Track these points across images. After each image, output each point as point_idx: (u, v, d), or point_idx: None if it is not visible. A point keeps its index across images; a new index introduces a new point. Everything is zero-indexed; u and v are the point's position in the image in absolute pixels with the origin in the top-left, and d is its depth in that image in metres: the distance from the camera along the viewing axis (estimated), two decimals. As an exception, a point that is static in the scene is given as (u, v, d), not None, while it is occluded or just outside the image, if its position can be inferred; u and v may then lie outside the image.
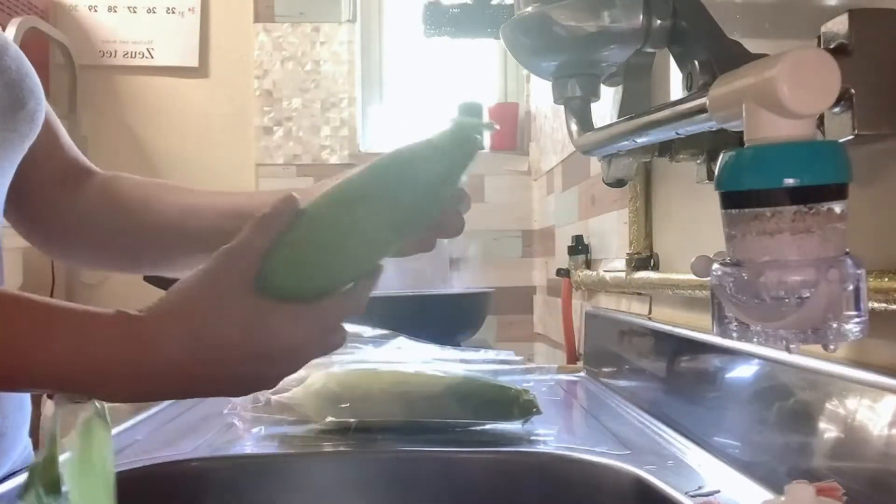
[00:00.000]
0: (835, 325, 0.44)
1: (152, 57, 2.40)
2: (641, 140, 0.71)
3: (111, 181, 0.84)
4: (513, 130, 2.45)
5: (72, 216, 0.81)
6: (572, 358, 1.58)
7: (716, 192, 0.47)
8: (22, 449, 0.74)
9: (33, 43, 2.06)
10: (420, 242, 0.57)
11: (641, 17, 0.68)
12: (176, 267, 0.83)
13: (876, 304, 0.54)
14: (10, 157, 0.70)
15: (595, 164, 1.45)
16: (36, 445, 0.79)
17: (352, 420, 0.88)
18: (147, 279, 0.97)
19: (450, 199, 0.56)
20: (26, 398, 0.73)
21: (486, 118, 0.61)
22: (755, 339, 0.46)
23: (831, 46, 0.53)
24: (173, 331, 0.50)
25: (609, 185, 0.89)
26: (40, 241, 0.83)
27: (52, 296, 2.12)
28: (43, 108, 0.73)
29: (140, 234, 0.80)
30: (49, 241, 0.83)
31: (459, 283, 2.23)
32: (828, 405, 0.60)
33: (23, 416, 0.72)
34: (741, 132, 0.46)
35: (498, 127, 0.56)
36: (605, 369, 1.26)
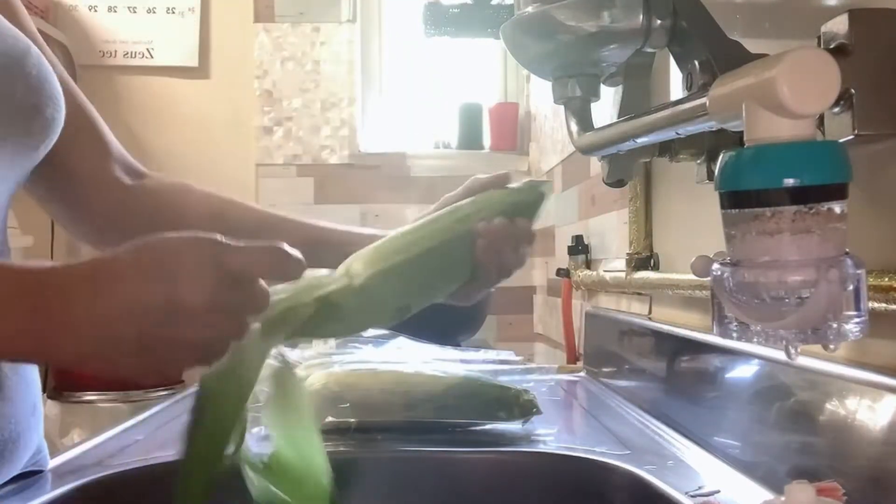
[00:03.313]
0: (835, 325, 0.44)
1: (152, 57, 2.40)
2: (641, 140, 0.71)
3: (185, 184, 0.86)
4: (513, 130, 2.45)
5: (136, 212, 0.82)
6: (572, 358, 1.58)
7: (716, 192, 0.47)
8: (36, 452, 0.74)
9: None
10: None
11: (641, 17, 0.68)
12: None
13: (876, 304, 0.54)
14: (22, 162, 0.68)
15: (595, 164, 1.45)
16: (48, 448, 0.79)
17: (352, 420, 0.88)
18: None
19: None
20: (39, 402, 0.73)
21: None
22: (755, 339, 0.46)
23: (831, 46, 0.53)
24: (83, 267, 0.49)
25: (609, 185, 0.89)
26: (95, 238, 0.83)
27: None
28: (62, 115, 0.71)
29: None
30: (107, 236, 0.82)
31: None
32: (828, 405, 0.60)
33: (36, 419, 0.72)
34: (741, 132, 0.46)
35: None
36: (605, 369, 1.26)
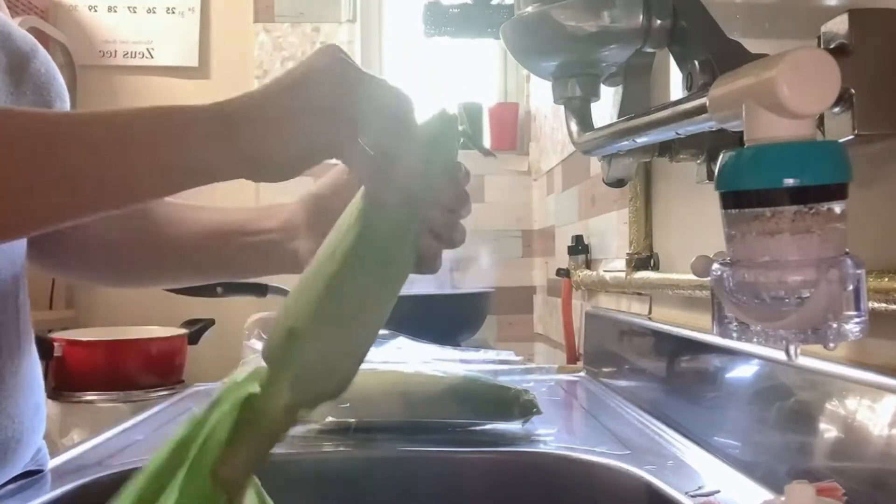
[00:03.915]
0: (835, 325, 0.44)
1: (152, 57, 2.40)
2: (641, 140, 0.71)
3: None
4: (513, 130, 2.45)
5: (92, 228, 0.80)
6: (572, 358, 1.58)
7: (716, 192, 0.47)
8: (36, 452, 0.74)
9: (33, 43, 2.06)
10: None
11: (641, 17, 0.68)
12: (200, 280, 0.84)
13: (876, 304, 0.54)
14: None
15: (595, 164, 1.45)
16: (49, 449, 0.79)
17: (352, 420, 0.88)
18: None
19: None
20: (42, 403, 0.73)
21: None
22: (755, 339, 0.46)
23: (831, 46, 0.53)
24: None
25: (609, 185, 0.89)
26: (54, 261, 0.79)
27: (52, 296, 2.13)
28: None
29: (170, 253, 0.80)
30: (65, 261, 0.80)
31: (459, 284, 2.22)
32: (828, 405, 0.60)
33: (38, 419, 0.72)
34: (741, 132, 0.46)
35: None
36: (605, 369, 1.26)
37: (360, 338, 0.48)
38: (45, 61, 0.70)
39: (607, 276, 1.29)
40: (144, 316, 2.09)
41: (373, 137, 0.49)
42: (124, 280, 0.87)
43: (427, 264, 0.54)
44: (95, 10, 2.38)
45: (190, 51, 2.40)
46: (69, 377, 1.96)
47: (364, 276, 0.47)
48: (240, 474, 0.43)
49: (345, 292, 0.47)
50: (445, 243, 0.55)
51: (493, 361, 1.22)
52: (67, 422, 1.91)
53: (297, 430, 0.91)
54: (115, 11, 2.39)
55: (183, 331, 2.05)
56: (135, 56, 2.40)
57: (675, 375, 0.95)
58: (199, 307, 2.06)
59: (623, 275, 1.18)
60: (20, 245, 0.71)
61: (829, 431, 0.60)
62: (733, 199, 0.46)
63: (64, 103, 0.71)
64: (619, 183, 0.88)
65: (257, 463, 0.44)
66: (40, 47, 0.70)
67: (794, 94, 0.42)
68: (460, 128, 0.60)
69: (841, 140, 0.53)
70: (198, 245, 0.78)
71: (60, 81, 0.72)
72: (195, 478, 0.41)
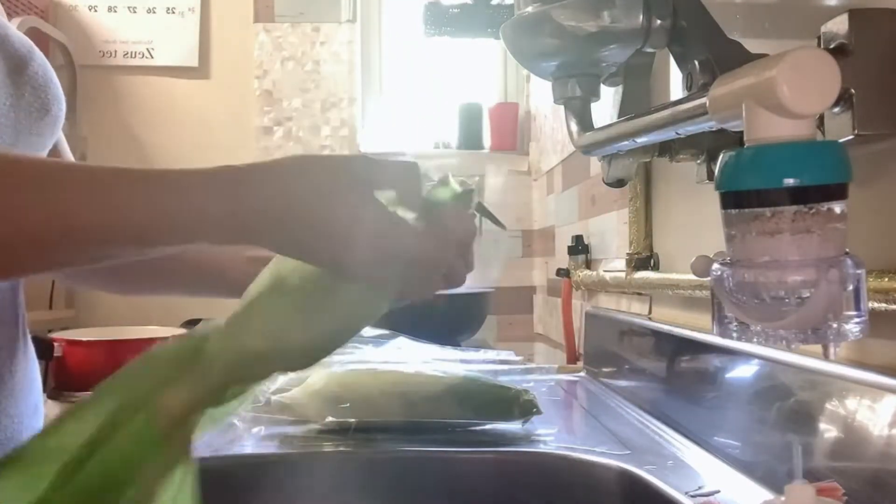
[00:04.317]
0: (835, 325, 0.44)
1: (152, 57, 2.40)
2: (641, 140, 0.71)
3: None
4: (513, 130, 2.45)
5: None
6: (572, 358, 1.58)
7: (716, 192, 0.47)
8: None
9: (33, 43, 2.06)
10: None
11: (641, 17, 0.68)
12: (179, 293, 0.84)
13: (876, 304, 0.54)
14: None
15: (595, 164, 1.45)
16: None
17: (352, 420, 0.88)
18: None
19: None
20: (40, 403, 0.73)
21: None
22: (755, 339, 0.46)
23: (831, 46, 0.53)
24: (277, 175, 0.49)
25: (609, 185, 0.90)
26: None
27: (52, 296, 2.13)
28: (63, 114, 0.73)
29: (172, 269, 0.80)
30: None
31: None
32: (828, 405, 0.60)
33: (37, 419, 0.72)
34: (741, 132, 0.46)
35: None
36: (605, 369, 1.26)
37: (320, 331, 0.49)
38: (42, 64, 0.70)
39: (607, 276, 1.29)
40: (144, 316, 2.09)
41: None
42: (124, 289, 0.87)
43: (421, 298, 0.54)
44: (95, 10, 2.38)
45: (190, 51, 2.40)
46: (69, 377, 1.96)
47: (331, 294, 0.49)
48: (178, 411, 0.46)
49: (308, 290, 0.49)
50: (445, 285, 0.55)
51: (493, 361, 1.22)
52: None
53: (298, 430, 0.91)
54: (115, 11, 2.39)
55: (183, 331, 2.05)
56: (135, 56, 2.40)
57: (675, 375, 0.95)
58: (199, 307, 2.05)
59: (623, 275, 1.18)
60: None
61: (829, 431, 0.60)
62: (733, 199, 0.46)
63: (61, 105, 0.72)
64: (619, 183, 0.88)
65: (194, 407, 0.47)
66: (37, 50, 0.70)
67: (794, 94, 0.42)
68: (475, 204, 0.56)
69: (841, 140, 0.53)
70: (199, 266, 0.79)
71: (57, 83, 0.72)
72: (136, 408, 0.45)
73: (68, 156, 0.83)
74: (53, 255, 0.49)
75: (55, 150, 0.78)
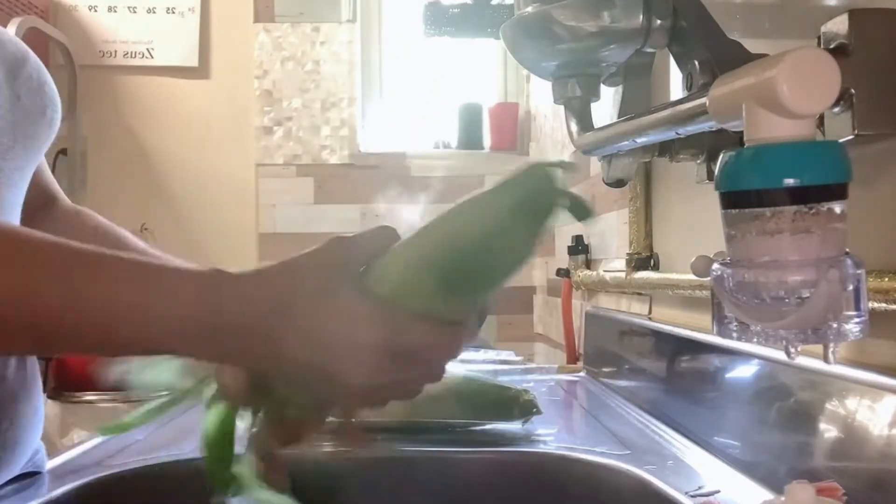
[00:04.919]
0: (835, 325, 0.44)
1: (152, 57, 2.40)
2: (641, 140, 0.71)
3: (80, 215, 0.82)
4: (513, 130, 2.45)
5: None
6: (572, 358, 1.58)
7: (716, 192, 0.47)
8: (34, 453, 0.74)
9: (33, 43, 2.05)
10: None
11: (641, 17, 0.68)
12: None
13: (876, 304, 0.54)
14: (30, 166, 0.70)
15: (595, 164, 1.45)
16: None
17: (352, 420, 0.88)
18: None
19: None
20: (40, 405, 0.73)
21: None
22: (755, 339, 0.46)
23: (831, 46, 0.53)
24: (261, 291, 0.47)
25: (609, 185, 0.89)
26: None
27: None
28: (59, 116, 0.73)
29: None
30: None
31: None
32: (828, 405, 0.60)
33: (37, 420, 0.72)
34: (741, 132, 0.46)
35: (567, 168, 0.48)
36: (605, 369, 1.26)
37: None
38: (37, 66, 0.70)
39: (607, 276, 1.29)
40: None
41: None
42: None
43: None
44: (95, 10, 2.38)
45: (190, 51, 2.40)
46: (69, 377, 1.96)
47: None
48: None
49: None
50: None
51: (493, 361, 1.22)
52: (67, 422, 1.91)
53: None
54: (115, 11, 2.39)
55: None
56: (135, 56, 2.40)
57: (675, 375, 0.95)
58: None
59: (623, 275, 1.18)
60: None
61: (829, 431, 0.60)
62: (733, 199, 0.46)
63: (56, 108, 0.72)
64: (619, 183, 0.88)
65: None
66: (31, 53, 0.70)
67: (794, 94, 0.42)
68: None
69: (841, 140, 0.53)
70: None
71: (52, 86, 0.72)
72: None
73: (42, 164, 0.81)
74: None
75: (37, 173, 0.77)
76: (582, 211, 0.48)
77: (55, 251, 0.46)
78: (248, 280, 0.47)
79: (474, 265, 0.48)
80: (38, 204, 0.79)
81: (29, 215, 0.76)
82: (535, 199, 0.47)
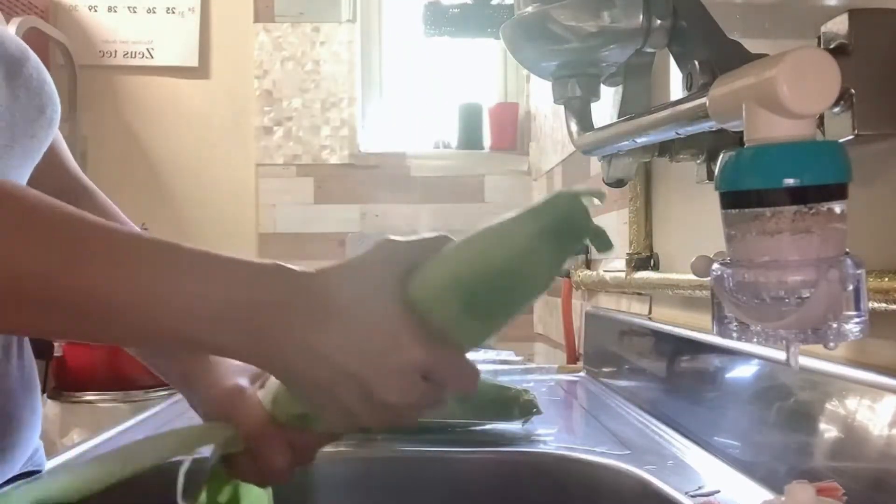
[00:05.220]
0: (835, 325, 0.44)
1: (152, 57, 2.40)
2: (641, 140, 0.71)
3: (109, 209, 0.82)
4: (513, 130, 2.45)
5: None
6: (572, 358, 1.58)
7: (716, 192, 0.47)
8: (33, 452, 0.74)
9: (33, 43, 2.05)
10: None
11: (641, 17, 0.68)
12: None
13: (876, 304, 0.54)
14: (29, 165, 0.70)
15: (595, 164, 1.45)
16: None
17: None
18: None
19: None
20: (38, 404, 0.73)
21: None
22: (755, 339, 0.46)
23: (831, 46, 0.53)
24: (309, 286, 0.46)
25: (609, 185, 0.89)
26: None
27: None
28: (59, 115, 0.73)
29: None
30: None
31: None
32: (828, 405, 0.60)
33: (35, 419, 0.72)
34: (741, 132, 0.46)
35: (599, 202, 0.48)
36: (605, 369, 1.26)
37: None
38: (37, 65, 0.70)
39: (607, 276, 1.29)
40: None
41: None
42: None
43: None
44: (95, 10, 2.39)
45: (190, 51, 2.40)
46: (69, 377, 1.96)
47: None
48: None
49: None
50: None
51: (493, 361, 1.22)
52: (67, 422, 1.91)
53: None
54: (115, 11, 2.39)
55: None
56: (135, 56, 2.40)
57: (675, 375, 0.95)
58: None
59: (623, 275, 1.18)
60: None
61: (829, 431, 0.60)
62: (733, 199, 0.46)
63: (56, 107, 0.72)
64: (619, 183, 0.88)
65: None
66: (31, 52, 0.70)
67: (794, 94, 0.42)
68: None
69: (841, 140, 0.53)
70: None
71: (52, 85, 0.72)
72: None
73: (68, 157, 0.82)
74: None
75: (53, 152, 0.78)
76: (603, 243, 0.48)
77: (103, 232, 0.45)
78: (300, 274, 0.47)
79: (498, 288, 0.48)
80: (69, 198, 0.80)
81: None
82: (564, 227, 0.48)
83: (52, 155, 0.78)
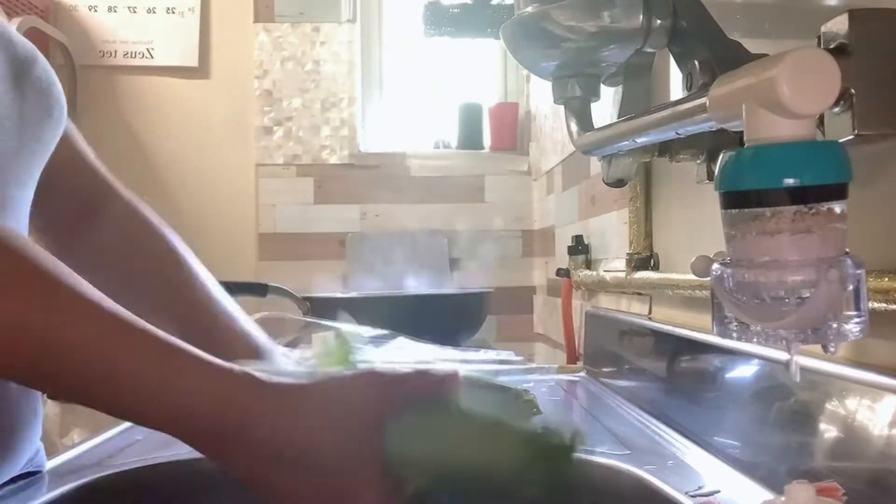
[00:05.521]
0: (835, 325, 0.44)
1: (152, 57, 2.40)
2: (641, 140, 0.71)
3: (134, 222, 0.83)
4: (513, 130, 2.45)
5: (91, 243, 0.78)
6: (572, 358, 1.58)
7: (716, 192, 0.47)
8: (34, 453, 0.74)
9: (33, 43, 2.06)
10: None
11: (641, 17, 0.68)
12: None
13: (876, 304, 0.54)
14: (37, 166, 0.70)
15: (595, 164, 1.45)
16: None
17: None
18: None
19: None
20: (39, 405, 0.73)
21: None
22: (755, 339, 0.46)
23: (831, 46, 0.53)
24: (283, 410, 0.50)
25: (609, 185, 0.89)
26: None
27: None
28: (65, 117, 0.73)
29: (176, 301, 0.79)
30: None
31: (460, 283, 2.23)
32: (828, 405, 0.60)
33: (36, 420, 0.72)
34: (741, 132, 0.46)
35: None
36: (605, 369, 1.26)
37: None
38: (45, 67, 0.70)
39: (607, 276, 1.29)
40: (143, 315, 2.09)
41: None
42: (120, 300, 0.87)
43: None
44: (95, 10, 2.38)
45: (190, 51, 2.40)
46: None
47: None
48: None
49: None
50: None
51: (493, 361, 1.22)
52: (67, 422, 1.91)
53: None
54: (115, 11, 2.39)
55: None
56: (135, 56, 2.40)
57: (675, 375, 0.95)
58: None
59: (623, 275, 1.18)
60: None
61: (828, 431, 0.60)
62: (733, 199, 0.46)
63: (63, 109, 0.72)
64: (619, 183, 0.88)
65: None
66: (39, 53, 0.70)
67: (794, 94, 0.42)
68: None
69: (841, 140, 0.53)
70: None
71: (59, 87, 0.72)
72: None
73: (91, 157, 0.82)
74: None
75: (73, 152, 0.78)
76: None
77: (90, 308, 0.50)
78: (271, 394, 0.50)
79: (478, 479, 0.52)
80: (90, 202, 0.80)
81: (80, 215, 0.78)
82: (547, 462, 0.53)
83: (72, 154, 0.78)
